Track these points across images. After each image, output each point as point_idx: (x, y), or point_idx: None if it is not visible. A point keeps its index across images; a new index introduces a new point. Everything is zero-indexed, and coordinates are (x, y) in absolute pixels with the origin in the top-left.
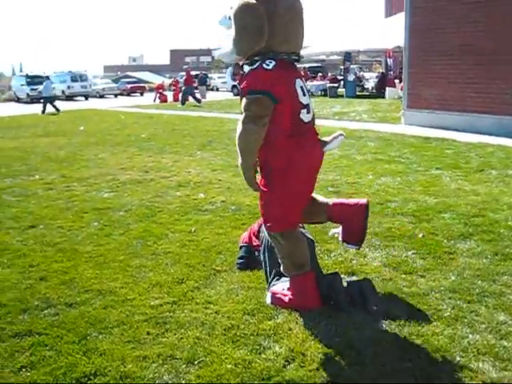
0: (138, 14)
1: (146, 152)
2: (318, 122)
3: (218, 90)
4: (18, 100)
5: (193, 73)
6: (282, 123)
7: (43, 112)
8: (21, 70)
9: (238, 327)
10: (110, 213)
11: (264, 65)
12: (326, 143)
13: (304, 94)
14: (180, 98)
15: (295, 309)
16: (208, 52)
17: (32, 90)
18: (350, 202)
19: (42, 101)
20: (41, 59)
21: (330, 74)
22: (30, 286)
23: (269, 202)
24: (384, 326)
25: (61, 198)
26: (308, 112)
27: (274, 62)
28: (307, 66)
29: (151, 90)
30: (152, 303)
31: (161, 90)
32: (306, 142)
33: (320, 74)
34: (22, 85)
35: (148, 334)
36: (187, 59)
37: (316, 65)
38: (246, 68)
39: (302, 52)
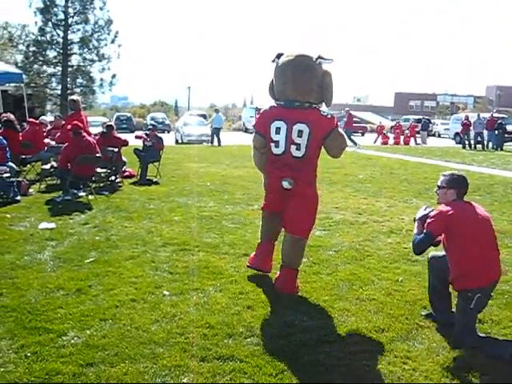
0: (366, 57)
1: (361, 193)
2: None
3: (439, 136)
4: (246, 130)
5: (415, 117)
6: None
7: (219, 144)
8: (251, 103)
9: None
10: (320, 251)
11: (261, 110)
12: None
13: (277, 133)
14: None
15: None
16: (433, 97)
17: None
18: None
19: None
20: None
21: None
22: (238, 313)
23: None
24: None
25: None
26: (276, 147)
27: (265, 108)
28: None
29: (372, 130)
30: (351, 349)
31: (384, 132)
32: (273, 168)
33: None
34: (252, 116)
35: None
36: (411, 103)
37: None
38: None
39: None
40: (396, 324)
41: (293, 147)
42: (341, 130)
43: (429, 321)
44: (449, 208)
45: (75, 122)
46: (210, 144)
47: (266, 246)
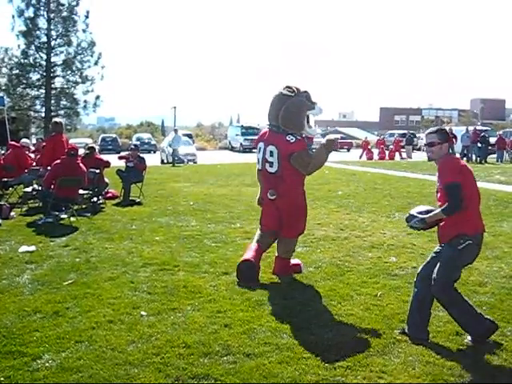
0: (351, 73)
1: (344, 209)
2: None
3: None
4: (232, 149)
5: (400, 132)
6: None
7: (177, 163)
8: (238, 121)
9: None
10: None
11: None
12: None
13: (258, 152)
14: None
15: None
16: (418, 111)
17: (245, 140)
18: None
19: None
20: (257, 111)
21: None
22: (215, 332)
23: None
24: None
25: None
26: (258, 163)
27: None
28: None
29: (358, 146)
30: (326, 365)
31: (369, 147)
32: (260, 182)
33: None
34: (237, 135)
35: None
36: (396, 117)
37: None
38: None
39: None
40: (373, 339)
41: (267, 164)
42: (303, 154)
43: (406, 334)
44: (456, 160)
45: (72, 146)
46: (172, 165)
47: (257, 248)
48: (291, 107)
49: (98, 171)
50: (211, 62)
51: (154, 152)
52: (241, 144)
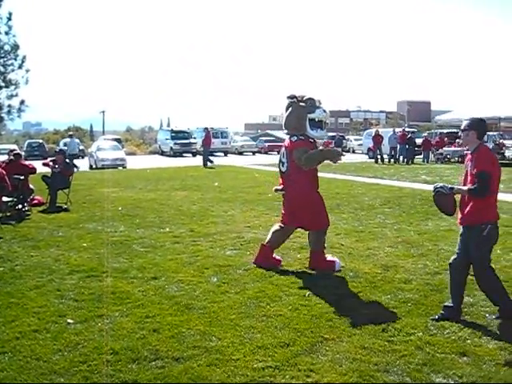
0: (280, 76)
1: (273, 211)
2: None
3: (354, 151)
4: (162, 153)
5: (330, 134)
6: None
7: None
8: (168, 125)
9: None
10: (229, 270)
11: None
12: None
13: (281, 156)
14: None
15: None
16: (346, 113)
17: (175, 144)
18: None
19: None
20: (187, 115)
21: None
22: (143, 337)
23: None
24: None
25: (186, 252)
26: (281, 166)
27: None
28: (445, 131)
29: None
30: (255, 366)
31: None
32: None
33: (458, 140)
34: (167, 139)
35: None
36: None
37: (454, 130)
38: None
39: (441, 117)
40: (301, 338)
41: (281, 164)
42: (300, 150)
43: (333, 332)
44: (492, 152)
45: None
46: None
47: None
48: (291, 112)
49: (22, 177)
50: (140, 64)
51: (83, 157)
52: (171, 148)
